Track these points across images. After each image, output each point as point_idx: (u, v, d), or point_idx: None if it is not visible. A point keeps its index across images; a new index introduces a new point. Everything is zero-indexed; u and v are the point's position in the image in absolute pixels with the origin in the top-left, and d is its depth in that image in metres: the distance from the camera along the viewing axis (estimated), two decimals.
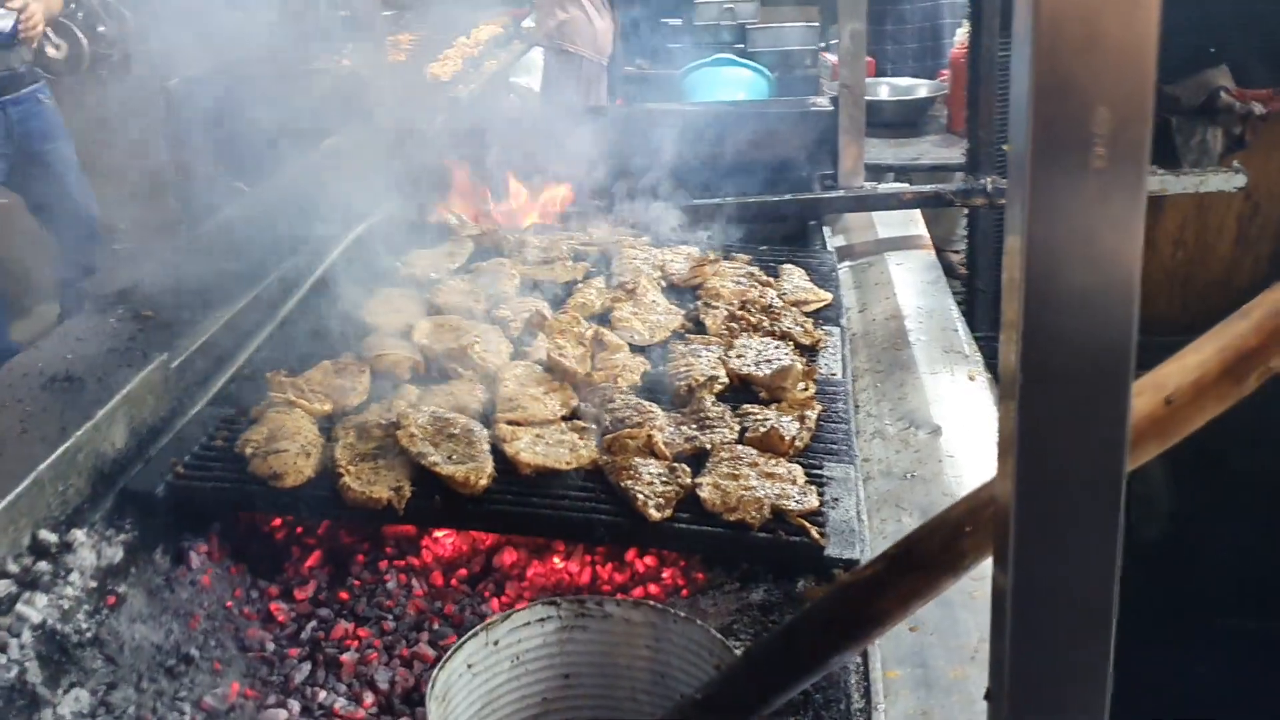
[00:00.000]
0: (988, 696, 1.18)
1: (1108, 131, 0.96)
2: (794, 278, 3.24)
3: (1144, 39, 0.94)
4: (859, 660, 1.95)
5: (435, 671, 1.50)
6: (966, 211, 4.54)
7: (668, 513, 2.17)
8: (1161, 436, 1.17)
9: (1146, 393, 1.17)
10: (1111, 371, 1.01)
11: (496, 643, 1.59)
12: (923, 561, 1.26)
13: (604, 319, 2.95)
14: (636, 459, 2.28)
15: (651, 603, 1.64)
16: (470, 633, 1.57)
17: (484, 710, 1.59)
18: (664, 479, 2.23)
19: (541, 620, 1.61)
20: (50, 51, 12.68)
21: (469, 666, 1.56)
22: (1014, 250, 1.01)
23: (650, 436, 2.34)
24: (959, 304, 4.41)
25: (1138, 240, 0.98)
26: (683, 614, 1.61)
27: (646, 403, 2.51)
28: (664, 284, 3.19)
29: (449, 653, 1.53)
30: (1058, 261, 0.99)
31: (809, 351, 2.85)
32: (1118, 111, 0.95)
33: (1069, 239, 0.99)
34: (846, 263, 3.70)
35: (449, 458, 2.26)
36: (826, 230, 3.84)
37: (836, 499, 2.26)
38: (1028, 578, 1.09)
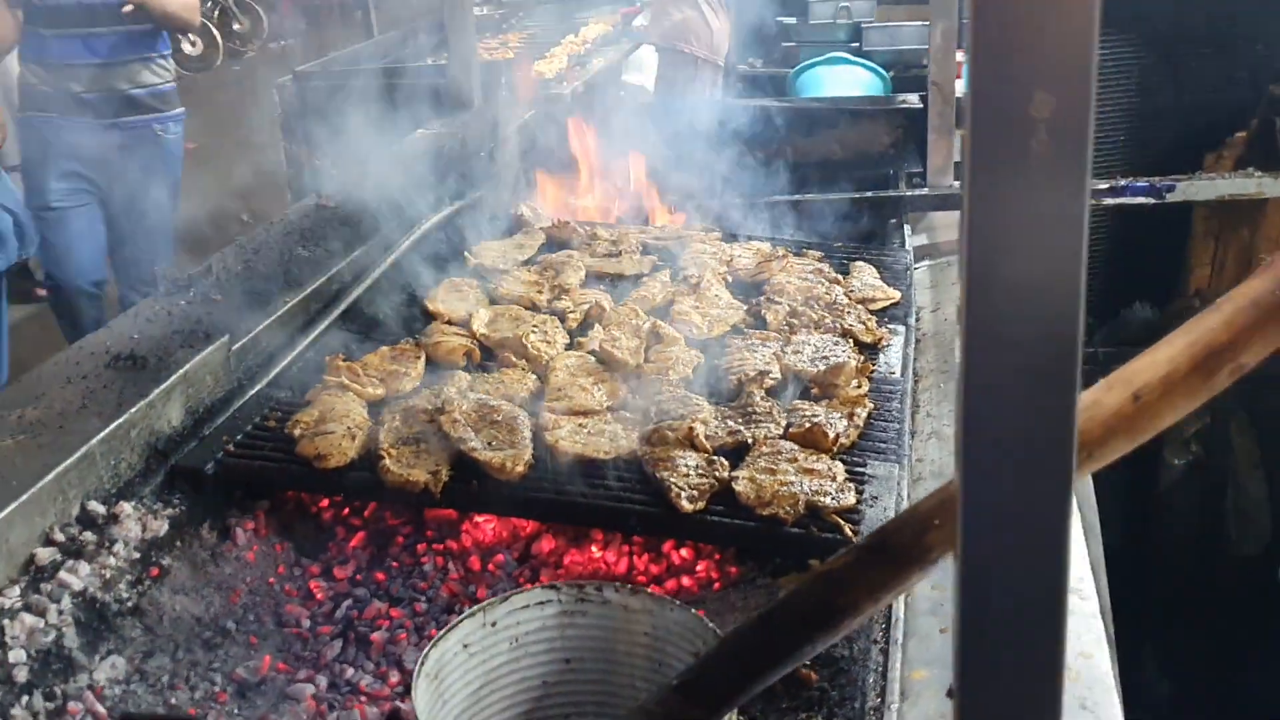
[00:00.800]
0: (950, 694, 1.17)
1: (1048, 117, 0.94)
2: (864, 275, 3.21)
3: (1084, 21, 0.92)
4: (879, 659, 1.93)
5: (427, 649, 1.52)
6: None
7: (700, 505, 2.17)
8: (1130, 433, 1.14)
9: (1116, 388, 1.14)
10: (1056, 363, 0.99)
11: (494, 624, 1.60)
12: (892, 553, 1.25)
13: (665, 312, 2.96)
14: (676, 451, 2.29)
15: (649, 590, 1.64)
16: (467, 613, 1.59)
17: (482, 690, 1.61)
18: (700, 471, 2.23)
19: (541, 604, 1.62)
20: (186, 48, 13.10)
21: (465, 646, 1.58)
22: (960, 240, 1.00)
23: (691, 429, 2.34)
24: None
25: (1081, 230, 0.96)
26: (678, 603, 1.61)
27: (694, 396, 2.51)
28: (730, 279, 3.18)
29: (443, 632, 1.55)
30: (999, 250, 0.97)
31: (870, 350, 2.83)
32: (1059, 97, 0.93)
33: (1010, 227, 0.97)
34: (926, 261, 3.65)
35: (489, 444, 2.29)
36: (907, 228, 3.79)
37: (875, 497, 2.24)
38: (974, 573, 1.07)
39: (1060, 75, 0.92)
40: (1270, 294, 1.08)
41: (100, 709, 1.86)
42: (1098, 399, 1.14)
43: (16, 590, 1.93)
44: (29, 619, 1.88)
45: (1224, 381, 1.12)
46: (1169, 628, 4.84)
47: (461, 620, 1.57)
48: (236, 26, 14.59)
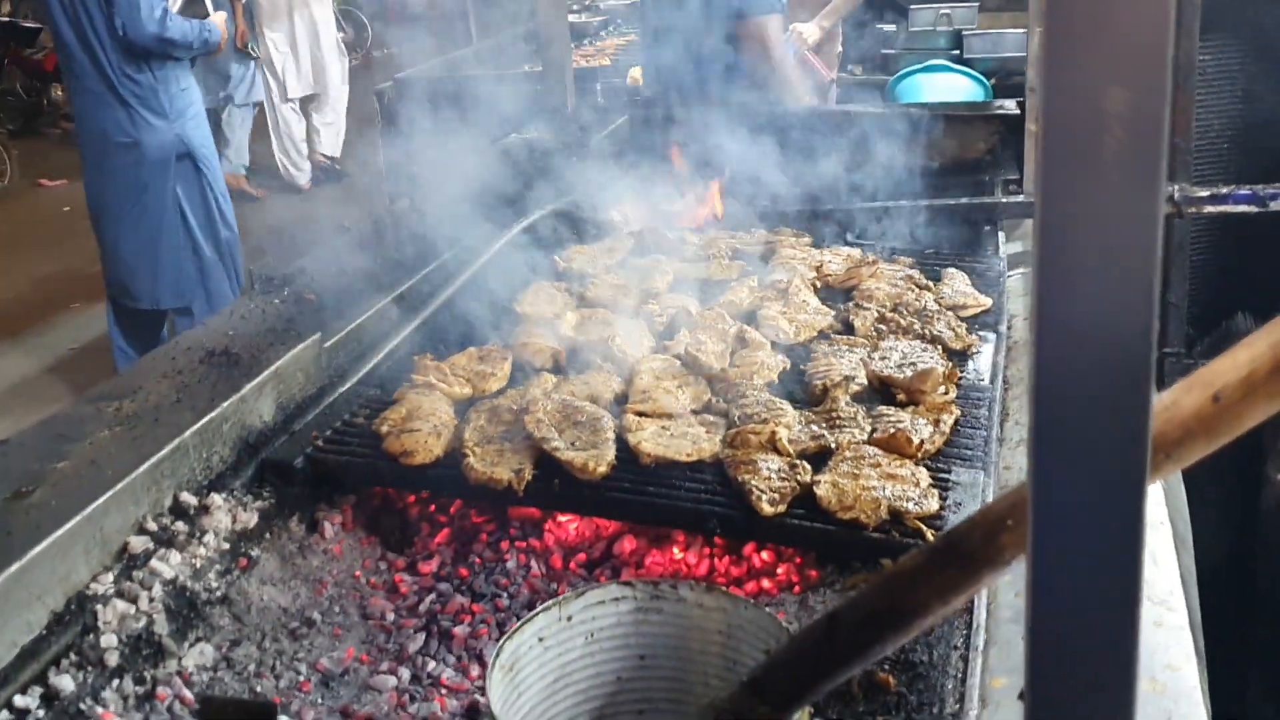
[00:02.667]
0: (1021, 697, 1.15)
1: (1123, 111, 0.93)
2: (955, 282, 3.18)
3: (1159, 14, 0.91)
4: (959, 666, 1.91)
5: (503, 641, 1.54)
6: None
7: (781, 508, 2.17)
8: (1209, 435, 1.12)
9: (1195, 389, 1.12)
10: (1129, 361, 0.98)
11: (570, 618, 1.61)
12: (964, 554, 1.24)
13: (752, 317, 2.96)
14: (758, 455, 2.28)
15: (723, 588, 1.64)
16: (542, 607, 1.60)
17: (556, 683, 1.62)
18: (782, 475, 2.23)
19: (616, 599, 1.63)
20: None
21: (540, 640, 1.59)
22: (1033, 237, 0.99)
23: (774, 433, 2.33)
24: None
25: (1155, 227, 0.94)
26: (752, 601, 1.61)
27: (778, 400, 2.51)
28: (819, 285, 3.17)
29: (519, 624, 1.57)
30: (1071, 246, 0.96)
31: (959, 356, 2.80)
32: (1133, 91, 0.92)
33: (1083, 224, 0.96)
34: (1020, 269, 3.60)
35: (572, 444, 2.31)
36: (1001, 235, 3.74)
37: (960, 504, 2.21)
38: (1045, 575, 1.06)
39: (1134, 70, 0.91)
40: None
41: (188, 694, 1.90)
42: (1176, 399, 1.12)
43: (110, 577, 1.99)
44: (121, 605, 1.94)
45: None
46: (1272, 649, 4.70)
47: (537, 614, 1.59)
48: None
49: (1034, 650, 1.09)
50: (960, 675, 1.89)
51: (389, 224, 3.32)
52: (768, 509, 2.15)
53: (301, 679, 2.00)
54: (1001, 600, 2.11)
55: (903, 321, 2.90)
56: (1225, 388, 1.10)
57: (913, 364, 2.65)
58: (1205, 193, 3.67)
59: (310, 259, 2.99)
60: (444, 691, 1.98)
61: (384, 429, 2.39)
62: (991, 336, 2.95)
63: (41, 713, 1.78)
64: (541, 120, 4.32)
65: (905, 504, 2.15)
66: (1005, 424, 2.71)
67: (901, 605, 1.26)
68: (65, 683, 1.81)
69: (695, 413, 2.50)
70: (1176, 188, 3.63)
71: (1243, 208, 3.58)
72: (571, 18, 7.96)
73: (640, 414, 2.44)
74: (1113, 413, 0.99)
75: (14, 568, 1.82)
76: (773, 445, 2.32)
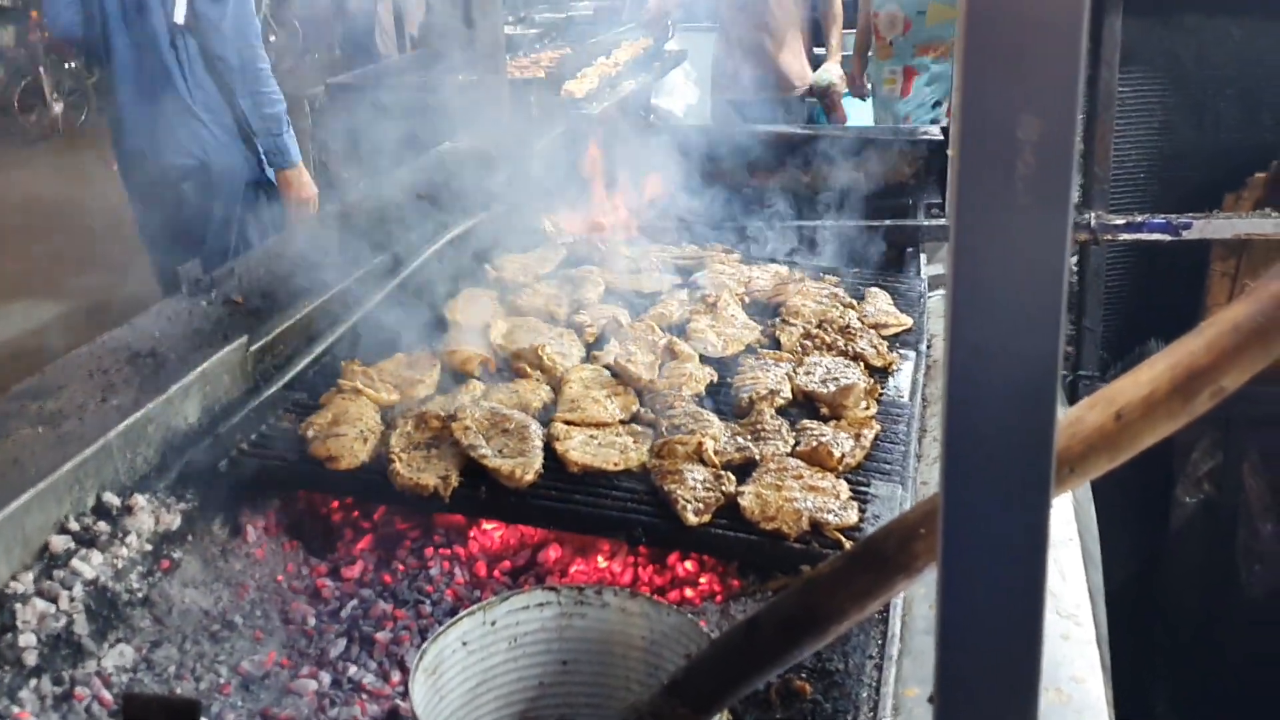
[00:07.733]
0: (931, 700, 1.19)
1: (1034, 140, 0.97)
2: (878, 301, 3.24)
3: (1070, 47, 0.96)
4: (873, 674, 1.96)
5: (426, 645, 1.56)
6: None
7: (705, 518, 2.20)
8: (1112, 451, 1.17)
9: (1099, 406, 1.17)
10: (1037, 376, 1.02)
11: (494, 623, 1.63)
12: (879, 561, 1.28)
13: (681, 330, 3.00)
14: (684, 465, 2.32)
15: (646, 595, 1.67)
16: (466, 611, 1.62)
17: (479, 688, 1.64)
18: (707, 485, 2.26)
19: (540, 605, 1.66)
20: None
21: (464, 644, 1.61)
22: (948, 257, 1.03)
23: (701, 444, 2.37)
24: (1067, 344, 4.34)
25: (1063, 249, 0.99)
26: (675, 607, 1.64)
27: (705, 412, 2.55)
28: (747, 300, 3.22)
29: (443, 628, 1.59)
30: (984, 266, 1.00)
31: (880, 374, 2.86)
32: (1045, 120, 0.96)
33: (995, 245, 0.99)
34: (941, 290, 3.67)
35: (499, 451, 2.33)
36: (923, 258, 3.82)
37: (878, 516, 2.26)
38: (954, 581, 1.09)
39: (1047, 99, 0.95)
40: (1251, 319, 1.10)
41: (106, 695, 1.90)
42: (1081, 416, 1.17)
43: (30, 576, 1.97)
44: (41, 604, 1.92)
45: (1204, 404, 1.14)
46: (1178, 666, 4.82)
47: (461, 618, 1.61)
48: (272, 39, 14.76)
49: (942, 651, 1.13)
50: (874, 684, 1.93)
51: (318, 228, 3.31)
52: (693, 518, 2.19)
53: (222, 681, 2.00)
54: (916, 612, 2.16)
55: (827, 338, 2.95)
56: (1127, 406, 1.15)
57: (836, 379, 2.70)
58: (1121, 220, 3.77)
59: (240, 261, 2.98)
60: (365, 696, 1.98)
61: (309, 433, 2.39)
62: (912, 355, 3.01)
63: None
64: (476, 128, 4.33)
65: (826, 515, 2.20)
66: (923, 440, 2.76)
67: (819, 610, 1.30)
68: None
69: (623, 423, 2.52)
70: (1093, 215, 3.72)
71: (1156, 236, 3.69)
72: (507, 29, 7.99)
73: (569, 423, 2.47)
74: (1020, 426, 1.03)
75: None
76: (699, 456, 2.36)
